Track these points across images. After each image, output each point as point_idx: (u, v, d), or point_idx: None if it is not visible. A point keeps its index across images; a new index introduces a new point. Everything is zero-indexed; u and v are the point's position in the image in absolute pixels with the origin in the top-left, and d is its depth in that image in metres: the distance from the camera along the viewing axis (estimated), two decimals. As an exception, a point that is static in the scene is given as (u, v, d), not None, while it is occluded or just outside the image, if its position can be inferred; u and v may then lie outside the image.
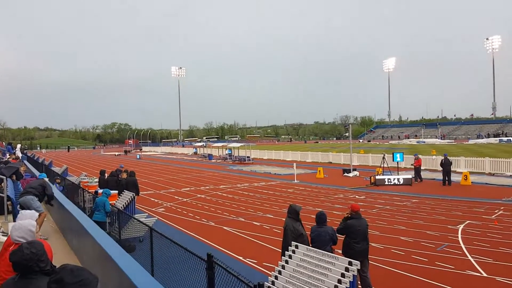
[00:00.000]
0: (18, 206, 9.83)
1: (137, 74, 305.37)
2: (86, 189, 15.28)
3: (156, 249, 7.21)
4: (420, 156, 26.50)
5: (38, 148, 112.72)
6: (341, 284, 4.25)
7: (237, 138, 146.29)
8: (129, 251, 9.46)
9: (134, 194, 12.95)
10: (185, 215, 15.94)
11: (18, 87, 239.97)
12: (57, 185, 16.23)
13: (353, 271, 4.33)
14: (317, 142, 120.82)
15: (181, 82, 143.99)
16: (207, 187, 24.26)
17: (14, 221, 8.07)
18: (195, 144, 74.27)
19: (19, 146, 41.34)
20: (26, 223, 3.60)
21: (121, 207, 11.81)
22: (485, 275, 8.57)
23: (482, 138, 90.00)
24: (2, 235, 7.32)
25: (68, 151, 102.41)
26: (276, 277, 5.04)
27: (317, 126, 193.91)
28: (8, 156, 24.22)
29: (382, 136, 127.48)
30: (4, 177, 10.05)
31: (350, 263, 4.44)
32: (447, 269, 9.00)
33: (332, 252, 6.90)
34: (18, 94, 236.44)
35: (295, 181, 25.99)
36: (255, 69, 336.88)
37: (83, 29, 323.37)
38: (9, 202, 9.75)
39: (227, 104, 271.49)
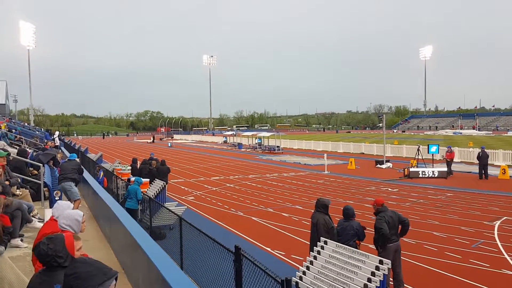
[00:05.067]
0: (55, 192, 10.19)
1: (169, 62, 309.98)
2: (120, 176, 15.66)
3: (186, 238, 7.30)
4: (455, 148, 25.58)
5: (75, 135, 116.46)
6: (371, 283, 4.13)
7: (267, 127, 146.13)
8: (160, 238, 9.65)
9: (164, 182, 13.15)
10: (214, 204, 16.08)
11: (56, 75, 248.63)
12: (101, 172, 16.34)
13: (384, 270, 4.20)
14: (349, 132, 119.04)
15: (212, 70, 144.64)
16: (236, 177, 24.38)
17: (51, 207, 8.33)
18: (225, 133, 74.72)
19: (57, 133, 42.76)
20: (74, 213, 3.83)
21: (152, 195, 12.02)
22: (523, 275, 8.22)
23: (498, 129, 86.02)
24: (39, 222, 7.57)
25: (103, 138, 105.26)
26: (304, 273, 4.97)
27: (349, 115, 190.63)
28: (46, 143, 25.07)
29: (417, 126, 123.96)
30: (41, 164, 10.39)
31: (381, 262, 4.31)
32: (481, 267, 8.69)
33: (356, 247, 6.75)
34: (56, 82, 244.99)
35: (326, 172, 25.72)
36: (286, 57, 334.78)
37: (119, 19, 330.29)
38: (45, 189, 10.07)
39: (258, 92, 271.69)
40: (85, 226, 3.98)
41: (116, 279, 2.29)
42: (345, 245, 6.08)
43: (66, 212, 3.83)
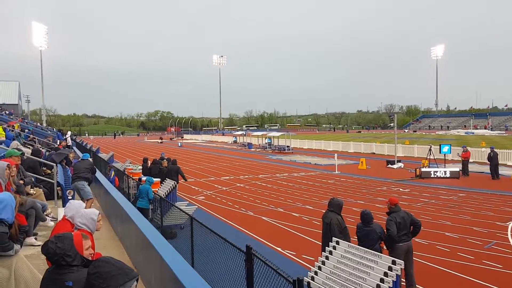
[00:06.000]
0: (68, 191, 10.30)
1: (179, 63, 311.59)
2: (131, 176, 15.77)
3: (197, 238, 7.31)
4: (468, 148, 25.29)
5: (86, 135, 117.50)
6: (383, 283, 4.11)
7: (277, 127, 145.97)
8: (171, 237, 9.70)
9: (175, 182, 13.20)
10: (225, 204, 16.12)
11: (67, 76, 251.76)
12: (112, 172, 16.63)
13: (397, 271, 4.18)
14: (360, 131, 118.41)
15: (222, 70, 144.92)
16: (246, 176, 24.40)
17: (64, 206, 8.42)
18: (235, 133, 74.82)
19: (69, 132, 43.17)
20: (90, 211, 3.87)
21: (163, 195, 12.09)
22: (537, 276, 8.10)
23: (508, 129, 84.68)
24: (51, 220, 7.67)
25: (114, 137, 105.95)
26: (315, 273, 4.96)
27: (360, 115, 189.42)
28: (58, 143, 25.37)
29: (429, 126, 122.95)
30: (55, 164, 10.51)
31: (393, 262, 4.29)
32: (494, 268, 8.60)
33: (381, 250, 6.72)
34: (68, 82, 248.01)
35: (336, 172, 25.62)
36: (296, 57, 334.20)
37: (130, 19, 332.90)
38: (58, 188, 10.19)
39: (268, 92, 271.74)
40: (101, 225, 4.00)
41: (137, 280, 2.32)
42: (370, 249, 6.05)
43: (82, 211, 3.85)
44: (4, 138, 15.43)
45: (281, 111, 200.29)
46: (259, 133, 61.06)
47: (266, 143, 50.24)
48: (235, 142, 65.59)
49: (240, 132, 74.22)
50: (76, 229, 3.77)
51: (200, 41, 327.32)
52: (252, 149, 50.93)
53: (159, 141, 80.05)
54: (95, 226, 3.77)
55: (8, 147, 11.11)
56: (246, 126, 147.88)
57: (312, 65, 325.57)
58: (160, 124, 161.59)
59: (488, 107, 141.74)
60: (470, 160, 25.88)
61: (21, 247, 4.24)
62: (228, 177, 24.19)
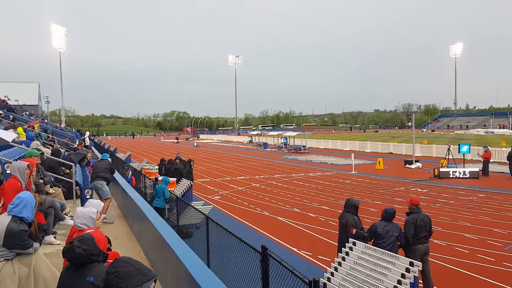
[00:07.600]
0: (86, 191, 10.45)
1: (195, 63, 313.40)
2: (147, 175, 15.93)
3: (212, 237, 7.34)
4: (489, 148, 24.79)
5: (104, 135, 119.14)
6: (401, 285, 4.05)
7: (292, 127, 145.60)
8: (187, 237, 9.75)
9: (191, 182, 13.27)
10: (240, 203, 16.14)
11: (86, 77, 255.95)
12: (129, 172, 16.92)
13: (414, 272, 4.11)
14: (377, 131, 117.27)
15: (237, 70, 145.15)
16: (262, 176, 24.38)
17: (82, 205, 8.55)
18: (251, 133, 74.89)
19: (88, 133, 43.75)
20: (87, 210, 3.82)
21: (179, 195, 12.17)
22: (561, 280, 7.88)
23: None
24: (70, 219, 7.78)
25: (133, 137, 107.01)
26: (332, 274, 4.92)
27: (377, 114, 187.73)
28: (77, 143, 25.77)
29: (448, 125, 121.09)
30: (73, 164, 10.67)
31: (411, 264, 4.22)
32: (516, 270, 8.40)
33: (397, 249, 6.65)
34: (87, 83, 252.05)
35: (353, 172, 25.40)
36: (312, 56, 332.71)
37: (146, 20, 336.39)
38: (77, 187, 10.34)
39: (283, 92, 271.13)
40: (101, 223, 3.97)
41: (155, 281, 2.33)
42: (390, 248, 6.00)
43: (80, 211, 3.83)
44: (24, 139, 15.73)
45: (297, 111, 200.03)
46: (275, 133, 60.98)
47: (281, 143, 50.12)
48: (250, 142, 65.61)
49: (255, 132, 74.26)
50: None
51: (216, 41, 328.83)
52: (268, 149, 50.87)
53: (175, 141, 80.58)
54: (96, 224, 3.77)
55: (28, 147, 11.33)
56: (261, 126, 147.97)
57: (328, 64, 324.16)
58: (177, 124, 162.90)
59: (509, 105, 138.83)
60: (491, 160, 25.42)
61: (40, 245, 4.31)
62: (243, 177, 24.22)
